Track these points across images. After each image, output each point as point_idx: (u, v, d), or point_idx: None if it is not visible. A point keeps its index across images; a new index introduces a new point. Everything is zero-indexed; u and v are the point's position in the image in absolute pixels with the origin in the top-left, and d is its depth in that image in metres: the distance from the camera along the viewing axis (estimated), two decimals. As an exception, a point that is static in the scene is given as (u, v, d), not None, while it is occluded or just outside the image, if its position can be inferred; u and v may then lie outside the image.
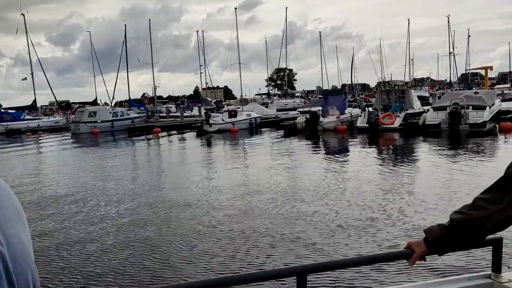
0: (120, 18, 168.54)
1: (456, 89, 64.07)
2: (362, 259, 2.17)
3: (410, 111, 30.00)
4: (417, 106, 31.45)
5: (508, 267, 2.44)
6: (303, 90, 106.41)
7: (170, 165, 20.09)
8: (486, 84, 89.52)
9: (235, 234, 8.60)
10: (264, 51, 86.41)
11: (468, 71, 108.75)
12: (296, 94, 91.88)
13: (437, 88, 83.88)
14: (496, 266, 2.19)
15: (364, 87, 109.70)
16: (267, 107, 52.32)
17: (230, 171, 16.84)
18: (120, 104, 70.97)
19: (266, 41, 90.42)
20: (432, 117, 27.56)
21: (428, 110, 29.08)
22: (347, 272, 6.15)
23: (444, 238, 1.85)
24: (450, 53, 72.57)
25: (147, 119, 48.05)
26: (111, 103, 62.58)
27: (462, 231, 1.80)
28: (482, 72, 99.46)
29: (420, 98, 39.41)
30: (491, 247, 2.08)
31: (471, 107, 26.67)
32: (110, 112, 44.76)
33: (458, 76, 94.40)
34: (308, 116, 31.05)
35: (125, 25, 63.85)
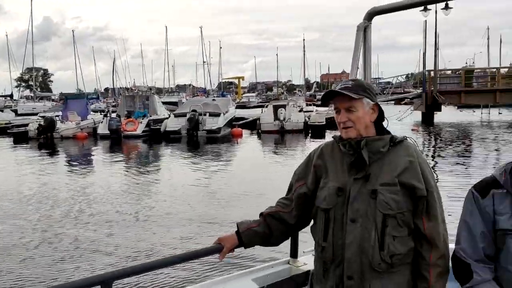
0: None
1: (214, 97, 68.36)
2: (172, 259, 2.09)
3: (153, 117, 29.88)
4: (161, 112, 31.62)
5: (304, 252, 2.64)
6: (61, 92, 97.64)
7: None
8: (239, 92, 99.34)
9: None
10: (10, 46, 75.71)
11: (223, 80, 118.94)
12: (53, 97, 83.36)
13: (197, 95, 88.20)
14: (294, 252, 2.52)
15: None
16: (2, 111, 45.11)
17: None
18: None
19: (7, 35, 79.83)
20: (173, 123, 28.01)
21: (169, 116, 29.51)
22: (160, 275, 6.05)
23: (255, 228, 2.10)
24: (204, 62, 77.43)
25: None
26: None
27: (273, 222, 2.11)
28: (236, 81, 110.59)
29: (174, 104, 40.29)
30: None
31: (208, 114, 28.13)
32: None
33: (216, 84, 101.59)
34: (42, 122, 27.66)
35: None
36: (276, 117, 28.52)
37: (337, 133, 2.03)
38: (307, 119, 29.34)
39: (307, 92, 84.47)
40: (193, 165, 18.15)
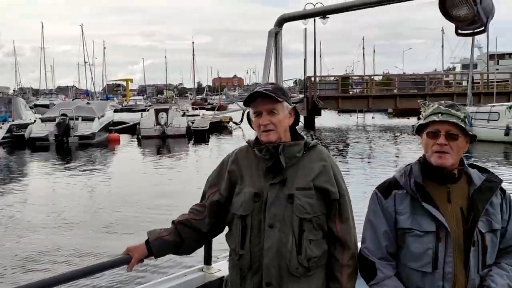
0: None
1: (99, 99, 64.13)
2: (78, 272, 1.93)
3: (17, 121, 26.60)
4: (27, 116, 28.34)
5: (218, 258, 2.62)
6: None
7: None
8: (127, 95, 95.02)
9: None
10: None
11: (110, 81, 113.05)
12: None
13: (78, 97, 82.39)
14: (207, 259, 2.55)
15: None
16: None
17: None
18: None
19: None
20: (39, 128, 25.18)
21: (35, 121, 26.55)
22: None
23: (165, 237, 2.00)
24: (85, 62, 72.02)
25: None
26: None
27: (184, 230, 2.03)
28: (125, 83, 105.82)
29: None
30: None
31: (80, 118, 25.80)
32: None
33: (103, 87, 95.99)
34: None
35: None
36: (157, 122, 27.14)
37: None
38: (190, 123, 28.39)
39: (198, 96, 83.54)
40: (58, 174, 16.21)
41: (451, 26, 2.15)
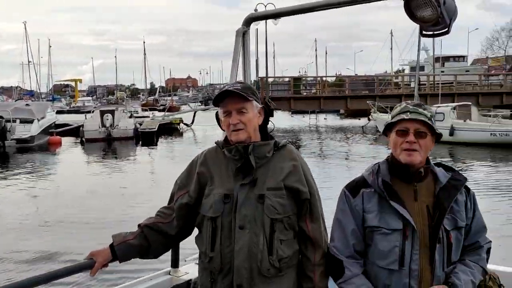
0: None
1: (45, 100, 61.12)
2: (39, 278, 1.86)
3: None
4: None
5: (185, 260, 2.62)
6: None
7: None
8: (76, 95, 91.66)
9: None
10: None
11: (59, 82, 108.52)
12: None
13: (21, 98, 78.51)
14: (175, 262, 2.52)
15: None
16: None
17: None
18: None
19: None
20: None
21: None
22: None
23: (131, 241, 1.96)
24: (29, 61, 68.37)
25: None
26: None
27: (151, 233, 1.98)
28: (73, 83, 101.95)
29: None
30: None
31: (18, 120, 24.17)
32: None
33: (50, 87, 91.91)
34: None
35: None
36: (102, 124, 25.91)
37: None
38: (138, 125, 27.34)
39: (150, 97, 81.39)
40: None
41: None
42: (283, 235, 1.86)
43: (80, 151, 24.27)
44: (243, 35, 2.84)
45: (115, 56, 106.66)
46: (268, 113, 2.02)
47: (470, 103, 24.31)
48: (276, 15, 3.04)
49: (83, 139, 25.93)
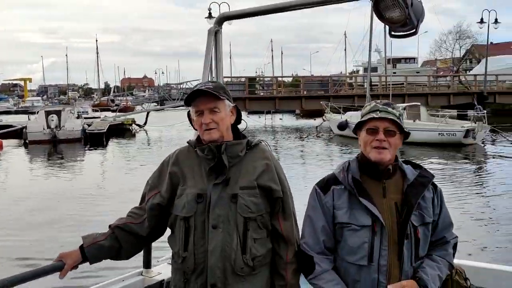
0: None
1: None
2: (7, 281, 1.82)
3: None
4: None
5: (158, 261, 2.61)
6: None
7: None
8: (25, 95, 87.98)
9: None
10: None
11: (7, 81, 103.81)
12: None
13: None
14: (147, 262, 2.49)
15: None
16: None
17: None
18: None
19: None
20: None
21: None
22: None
23: (101, 242, 1.94)
24: (-28, 59, 64.71)
25: None
26: None
27: (122, 234, 1.97)
28: (22, 83, 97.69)
29: None
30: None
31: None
32: None
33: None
34: None
35: None
36: (47, 125, 24.66)
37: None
38: (86, 126, 26.24)
39: (104, 97, 78.96)
40: None
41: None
42: (257, 234, 1.87)
43: (23, 154, 22.96)
44: (215, 34, 2.83)
45: (66, 55, 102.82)
46: (240, 112, 2.01)
47: (419, 103, 24.69)
48: (249, 14, 2.99)
49: (27, 141, 24.59)
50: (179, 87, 38.02)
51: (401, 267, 1.88)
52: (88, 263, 1.94)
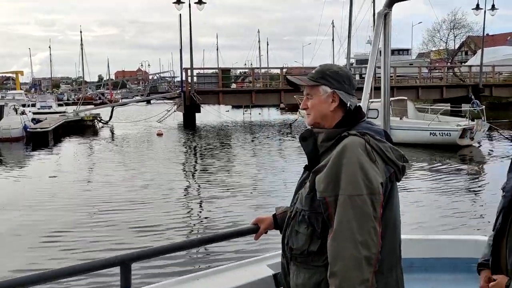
0: None
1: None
2: (193, 241, 2.27)
3: None
4: None
5: None
6: None
7: None
8: (17, 88, 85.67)
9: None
10: None
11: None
12: None
13: None
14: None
15: None
16: None
17: None
18: None
19: None
20: None
21: None
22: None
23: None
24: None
25: None
26: None
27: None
28: (14, 76, 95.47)
29: None
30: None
31: None
32: None
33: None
34: None
35: None
36: (-19, 123, 22.08)
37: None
38: (31, 123, 23.70)
39: (97, 90, 76.43)
40: None
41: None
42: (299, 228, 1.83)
43: None
44: (384, 17, 2.76)
45: (49, 46, 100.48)
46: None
47: (405, 97, 21.32)
48: None
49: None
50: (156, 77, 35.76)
51: None
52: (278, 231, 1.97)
